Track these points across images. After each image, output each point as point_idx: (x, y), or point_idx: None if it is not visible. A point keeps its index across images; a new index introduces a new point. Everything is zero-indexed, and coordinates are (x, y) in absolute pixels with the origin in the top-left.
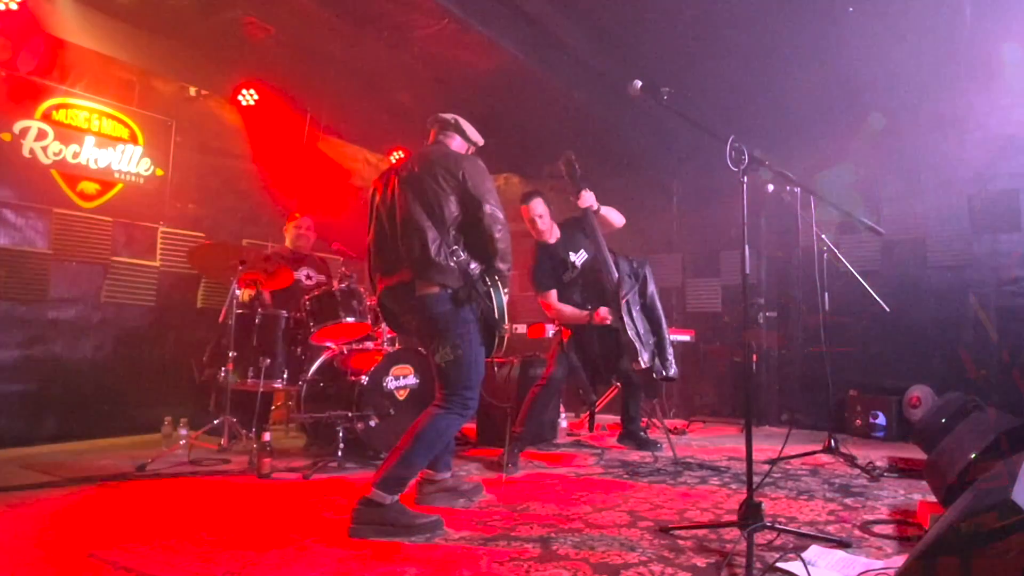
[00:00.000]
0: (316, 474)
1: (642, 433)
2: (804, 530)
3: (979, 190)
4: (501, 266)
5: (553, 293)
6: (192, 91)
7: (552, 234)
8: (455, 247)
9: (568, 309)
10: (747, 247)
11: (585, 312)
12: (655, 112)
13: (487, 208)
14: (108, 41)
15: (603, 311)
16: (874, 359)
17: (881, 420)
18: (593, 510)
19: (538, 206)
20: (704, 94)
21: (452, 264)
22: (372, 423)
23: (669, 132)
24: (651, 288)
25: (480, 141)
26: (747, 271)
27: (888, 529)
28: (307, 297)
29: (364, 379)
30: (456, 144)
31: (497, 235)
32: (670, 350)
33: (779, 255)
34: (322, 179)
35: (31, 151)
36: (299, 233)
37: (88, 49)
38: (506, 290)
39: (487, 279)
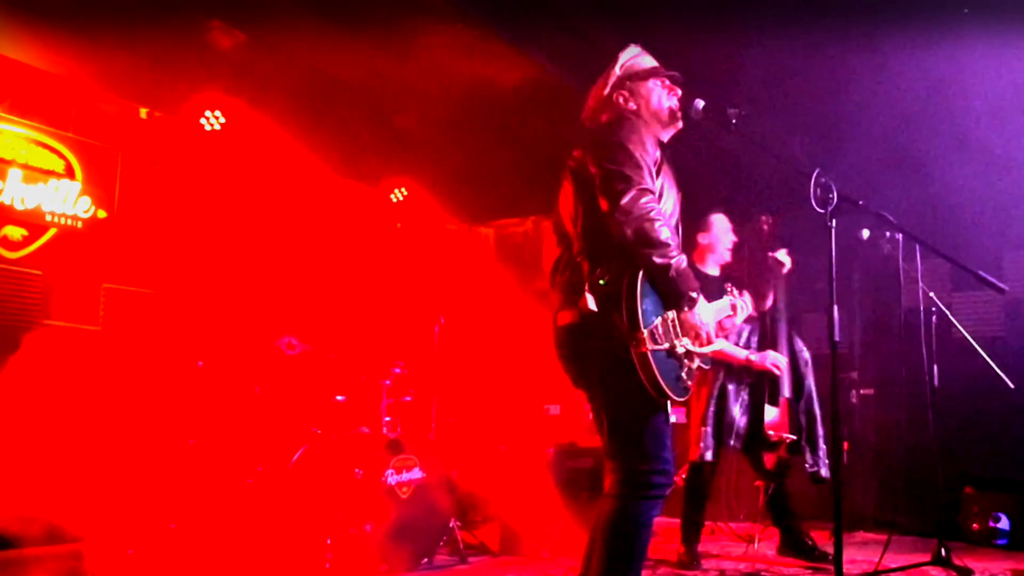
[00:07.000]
0: None
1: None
2: None
3: None
4: None
5: None
6: (143, 113)
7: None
8: None
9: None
10: (837, 308)
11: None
12: (718, 138)
13: None
14: (36, 50)
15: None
16: (995, 447)
17: (1004, 524)
18: None
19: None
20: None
21: None
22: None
23: (735, 163)
24: None
25: None
26: (837, 338)
27: None
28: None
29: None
30: None
31: None
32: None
33: (876, 318)
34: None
35: None
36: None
37: (11, 59)
38: None
39: None
